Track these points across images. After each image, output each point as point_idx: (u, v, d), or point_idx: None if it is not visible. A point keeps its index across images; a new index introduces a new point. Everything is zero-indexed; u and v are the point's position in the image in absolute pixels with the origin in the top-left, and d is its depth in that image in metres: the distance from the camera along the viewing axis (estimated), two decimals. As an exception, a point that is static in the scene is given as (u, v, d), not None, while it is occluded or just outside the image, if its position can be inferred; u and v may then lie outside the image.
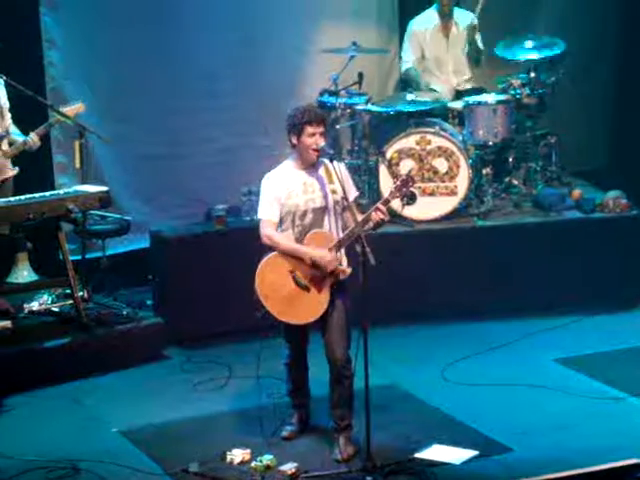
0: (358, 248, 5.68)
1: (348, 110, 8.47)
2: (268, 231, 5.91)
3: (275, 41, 8.93)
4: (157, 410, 6.69)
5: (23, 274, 7.97)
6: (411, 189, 6.02)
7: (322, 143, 5.86)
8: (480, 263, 8.14)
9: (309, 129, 5.83)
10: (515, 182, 8.73)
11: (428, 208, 8.26)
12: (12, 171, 7.57)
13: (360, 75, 8.46)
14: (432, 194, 8.28)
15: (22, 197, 7.26)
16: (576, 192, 8.67)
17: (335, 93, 8.41)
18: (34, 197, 7.27)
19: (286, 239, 5.91)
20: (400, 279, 7.94)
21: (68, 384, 7.04)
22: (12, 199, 7.27)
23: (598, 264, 8.18)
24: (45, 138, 7.73)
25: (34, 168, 7.88)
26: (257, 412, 6.43)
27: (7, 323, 7.34)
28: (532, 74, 8.64)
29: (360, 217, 5.83)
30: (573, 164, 9.31)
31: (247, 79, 8.88)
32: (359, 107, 8.44)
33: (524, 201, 8.61)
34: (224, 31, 8.76)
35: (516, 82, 8.57)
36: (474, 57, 9.00)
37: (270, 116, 8.60)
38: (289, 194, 5.91)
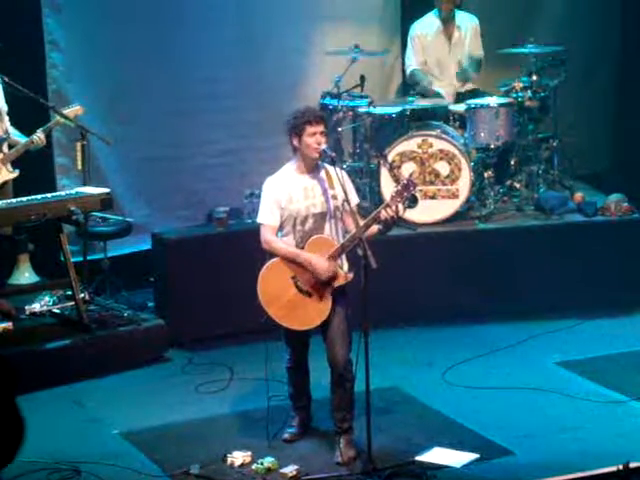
0: (360, 251, 5.68)
1: (350, 113, 8.47)
2: (268, 236, 5.92)
3: (277, 43, 8.94)
4: (158, 412, 6.69)
5: (25, 275, 7.98)
6: (413, 192, 6.01)
7: (324, 142, 5.86)
8: (482, 266, 8.14)
9: (309, 129, 5.83)
10: (517, 185, 8.73)
11: (430, 211, 8.26)
12: (12, 173, 7.57)
13: (362, 78, 8.46)
14: (434, 197, 8.28)
15: (24, 199, 7.26)
16: (578, 195, 8.67)
17: (337, 95, 8.41)
18: (36, 199, 7.27)
19: (286, 245, 5.91)
20: (402, 282, 7.93)
21: (69, 386, 7.04)
22: (14, 200, 7.28)
23: (600, 267, 8.18)
24: (47, 140, 7.73)
25: (36, 170, 7.88)
26: (258, 414, 6.43)
27: (8, 325, 7.34)
28: (534, 77, 8.64)
29: (361, 222, 5.82)
30: (575, 167, 9.31)
31: (249, 81, 8.89)
32: (361, 110, 8.44)
33: (526, 204, 8.61)
34: (226, 33, 8.77)
35: (518, 85, 8.57)
36: (475, 64, 9.00)
37: (272, 118, 8.62)
38: (290, 199, 5.90)
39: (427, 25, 9.04)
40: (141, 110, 8.51)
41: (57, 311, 7.65)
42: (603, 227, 8.37)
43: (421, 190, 8.20)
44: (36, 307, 7.65)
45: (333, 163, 5.93)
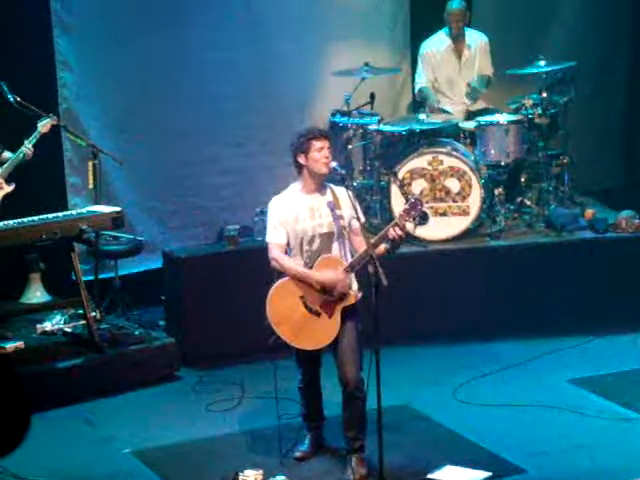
0: (371, 269, 5.67)
1: (360, 130, 8.48)
2: (276, 254, 5.91)
3: (287, 61, 8.97)
4: (169, 431, 6.68)
5: (36, 294, 8.00)
6: (422, 210, 6.00)
7: (330, 158, 5.85)
8: (492, 283, 8.13)
9: (316, 144, 5.84)
10: (527, 202, 8.72)
11: (440, 228, 8.25)
12: (8, 188, 7.55)
13: (372, 95, 8.47)
14: (444, 214, 8.28)
15: (35, 218, 7.28)
16: (589, 212, 8.66)
17: (347, 113, 8.43)
18: (47, 218, 7.29)
19: (294, 263, 5.90)
20: (412, 299, 7.92)
21: (80, 405, 7.04)
22: (25, 220, 7.29)
23: (611, 284, 8.16)
24: (58, 159, 7.75)
25: (47, 189, 7.91)
26: (269, 432, 6.42)
27: (20, 343, 7.35)
28: (544, 94, 8.63)
29: (368, 241, 5.82)
30: (585, 184, 9.30)
31: (259, 99, 8.91)
32: (371, 127, 8.46)
33: (536, 221, 8.59)
34: (237, 51, 8.80)
35: (528, 102, 8.56)
36: (484, 81, 9.00)
37: (282, 136, 8.63)
38: (296, 218, 5.90)
39: (437, 43, 9.06)
40: (152, 129, 8.54)
41: (68, 330, 7.66)
42: (614, 244, 8.35)
43: (432, 207, 8.20)
44: (47, 326, 7.66)
45: (343, 181, 5.93)
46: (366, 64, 8.53)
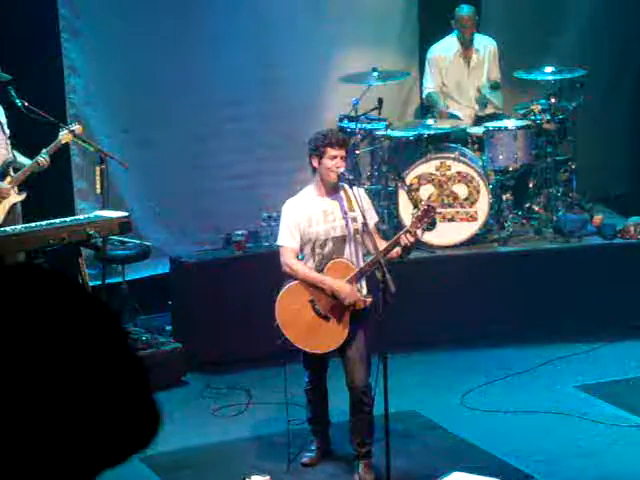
0: (379, 275, 5.66)
1: (368, 136, 8.47)
2: (288, 259, 5.90)
3: (295, 66, 8.96)
4: (176, 436, 6.65)
5: (43, 299, 7.97)
6: (433, 218, 5.99)
7: (342, 167, 5.85)
8: (500, 289, 8.11)
9: (331, 151, 5.82)
10: (535, 208, 8.70)
11: (448, 234, 8.23)
12: (20, 196, 7.55)
13: (380, 101, 8.44)
14: (452, 220, 8.26)
15: (42, 223, 7.27)
16: (597, 218, 8.63)
17: (355, 118, 8.40)
18: (54, 222, 7.28)
19: (306, 268, 5.89)
20: (420, 305, 7.90)
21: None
22: (33, 225, 7.28)
23: (619, 290, 8.13)
24: (66, 164, 7.75)
25: (54, 194, 7.91)
26: (277, 438, 6.41)
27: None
28: (552, 100, 8.61)
29: (380, 243, 5.81)
30: (594, 190, 9.28)
31: (266, 104, 8.90)
32: (379, 132, 8.44)
33: (545, 227, 8.57)
34: (245, 57, 8.79)
35: (536, 108, 8.54)
36: (493, 87, 8.99)
37: (289, 141, 8.63)
38: (310, 222, 5.89)
39: (446, 48, 9.04)
40: (160, 134, 8.54)
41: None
42: (623, 250, 8.33)
43: (439, 213, 8.17)
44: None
45: (351, 186, 5.92)
46: (374, 69, 8.51)
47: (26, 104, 7.40)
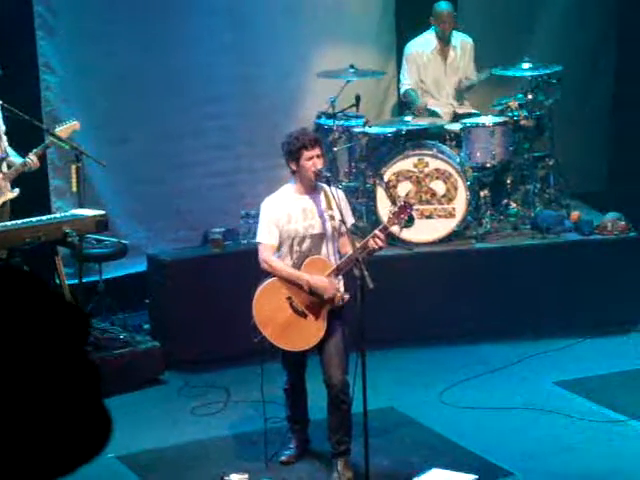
0: (356, 272, 5.66)
1: (345, 132, 8.46)
2: (267, 256, 5.89)
3: (273, 63, 8.93)
4: (154, 435, 6.65)
5: (19, 298, 7.93)
6: (411, 213, 5.99)
7: (320, 165, 5.86)
8: (478, 285, 8.12)
9: (306, 153, 5.83)
10: (513, 204, 8.71)
11: (426, 230, 8.23)
12: (12, 193, 7.54)
13: (357, 97, 8.44)
14: (430, 216, 8.26)
15: (19, 221, 7.23)
16: (574, 214, 8.65)
17: (332, 115, 8.40)
18: (31, 221, 7.24)
19: (285, 265, 5.89)
20: (398, 302, 7.90)
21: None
22: (9, 223, 7.24)
23: (597, 286, 8.15)
24: (41, 161, 7.70)
25: (30, 192, 7.85)
26: (255, 436, 6.40)
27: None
28: (529, 96, 8.62)
29: (358, 243, 5.81)
30: (571, 186, 9.29)
31: (244, 101, 8.88)
32: (356, 129, 8.43)
33: (522, 223, 8.58)
34: (222, 54, 8.76)
35: (513, 104, 8.55)
36: (469, 84, 9.01)
37: (267, 139, 8.61)
38: (289, 219, 5.89)
39: (423, 44, 9.03)
40: (136, 131, 8.50)
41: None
42: (600, 246, 8.34)
43: (417, 209, 8.17)
44: (31, 330, 7.60)
45: (328, 183, 5.93)
46: (351, 66, 8.50)
47: (0, 102, 7.36)
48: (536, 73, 8.65)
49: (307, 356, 6.03)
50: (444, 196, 8.24)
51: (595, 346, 7.85)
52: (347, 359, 5.85)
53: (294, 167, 5.89)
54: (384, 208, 7.98)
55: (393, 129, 8.42)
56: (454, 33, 9.04)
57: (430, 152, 8.25)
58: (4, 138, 7.54)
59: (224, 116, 8.82)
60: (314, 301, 5.84)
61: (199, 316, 7.79)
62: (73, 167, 7.55)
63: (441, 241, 8.28)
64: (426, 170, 8.22)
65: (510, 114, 8.53)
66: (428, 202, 8.24)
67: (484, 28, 9.43)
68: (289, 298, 5.85)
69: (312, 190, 5.96)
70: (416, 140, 8.37)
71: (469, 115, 8.86)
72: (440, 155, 8.24)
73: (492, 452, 6.18)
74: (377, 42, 9.43)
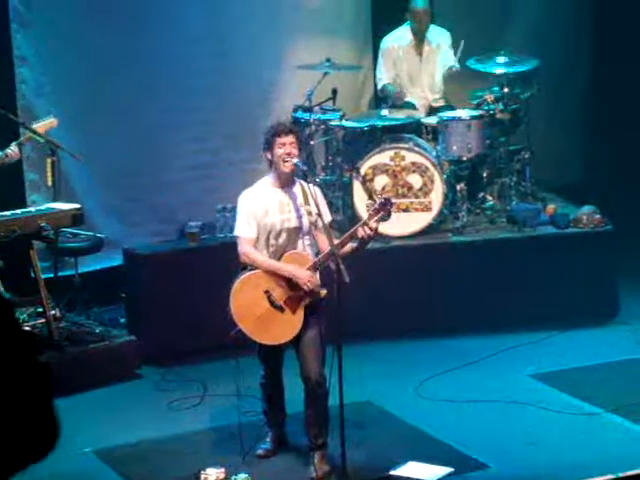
0: (333, 266, 5.67)
1: (322, 126, 8.45)
2: (246, 248, 5.89)
3: (250, 56, 8.92)
4: (130, 429, 6.63)
5: (-6, 292, 7.91)
6: (390, 210, 5.99)
7: (295, 154, 5.86)
8: (455, 279, 8.13)
9: (278, 140, 5.87)
10: (489, 198, 8.73)
11: (403, 224, 8.23)
12: None
13: (334, 91, 8.44)
14: (406, 210, 8.27)
15: (-7, 215, 7.20)
16: (550, 207, 8.68)
17: (309, 109, 8.39)
18: (5, 215, 7.21)
19: (264, 256, 5.89)
20: (375, 295, 7.91)
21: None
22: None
23: (572, 279, 8.18)
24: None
25: (5, 186, 7.82)
26: (232, 430, 6.38)
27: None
28: (506, 89, 8.63)
29: (336, 240, 5.82)
30: (547, 179, 9.33)
31: (221, 94, 8.85)
32: (333, 123, 8.43)
33: (498, 216, 8.60)
34: (199, 46, 8.74)
35: (490, 97, 8.56)
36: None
37: (244, 132, 8.60)
38: (266, 212, 5.90)
39: (399, 38, 9.04)
40: (112, 125, 8.46)
41: (28, 328, 7.56)
42: (575, 239, 8.38)
43: (394, 203, 8.17)
44: (6, 324, 7.57)
45: (305, 177, 5.94)
46: (327, 60, 8.49)
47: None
48: (511, 70, 8.65)
49: (283, 350, 6.03)
50: (420, 189, 8.25)
51: (571, 339, 7.88)
52: (324, 353, 5.85)
53: (269, 156, 5.92)
54: (361, 202, 7.99)
55: (370, 123, 8.42)
56: (431, 27, 9.04)
57: (406, 145, 8.26)
58: None
59: (201, 109, 8.79)
60: (292, 295, 5.84)
61: (175, 310, 7.77)
62: (48, 161, 7.52)
63: (417, 234, 8.29)
64: (402, 163, 8.22)
65: (486, 107, 8.54)
66: (404, 195, 8.25)
67: (460, 21, 9.44)
68: (267, 292, 5.85)
69: (289, 184, 5.97)
70: (393, 134, 8.38)
71: (445, 108, 8.86)
72: (416, 148, 8.25)
73: (468, 445, 6.20)
74: (353, 36, 9.43)
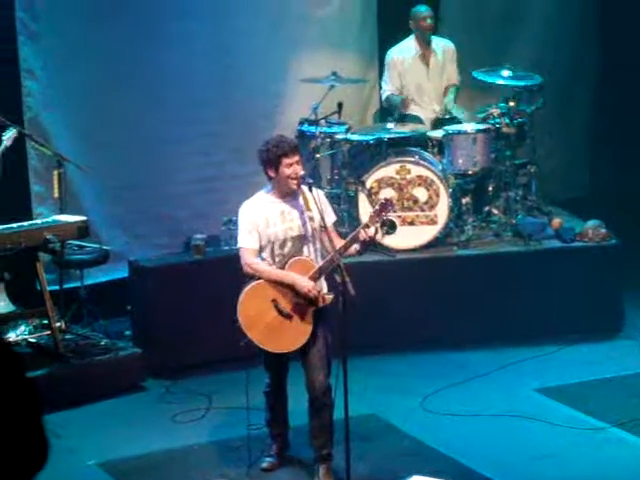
0: (338, 278, 5.66)
1: (328, 139, 8.46)
2: (249, 259, 5.89)
3: (255, 70, 8.94)
4: (135, 442, 6.62)
5: (0, 304, 7.91)
6: (390, 217, 6.00)
7: (301, 171, 5.86)
8: (460, 292, 8.13)
9: (286, 160, 5.82)
10: (495, 211, 8.73)
11: (408, 237, 8.24)
12: None
13: (339, 104, 8.45)
14: (412, 223, 8.27)
15: (-1, 227, 7.21)
16: (556, 221, 8.67)
17: (315, 122, 8.40)
18: (12, 227, 7.22)
19: (268, 266, 5.89)
20: (380, 308, 7.91)
21: (45, 416, 6.95)
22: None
23: (578, 293, 8.17)
24: (23, 168, 7.67)
25: (11, 198, 7.83)
26: (237, 443, 6.39)
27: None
28: (511, 103, 8.65)
29: (339, 242, 5.83)
30: (552, 193, 9.33)
31: (227, 108, 8.87)
32: (339, 136, 8.44)
33: (504, 230, 8.60)
34: (205, 60, 8.76)
35: (495, 111, 8.57)
36: (454, 91, 9.03)
37: (250, 145, 8.60)
38: (267, 223, 5.89)
39: (404, 50, 9.05)
40: (118, 137, 8.48)
41: (33, 340, 7.58)
42: (581, 253, 8.37)
43: (399, 216, 8.19)
44: (12, 336, 7.58)
45: (311, 190, 5.93)
46: (333, 73, 8.51)
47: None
48: (516, 84, 8.68)
49: (289, 358, 6.02)
50: (426, 203, 8.26)
51: (576, 353, 7.87)
52: (329, 363, 5.85)
53: (273, 174, 5.88)
54: (366, 215, 7.98)
55: (375, 136, 8.43)
56: (435, 38, 9.07)
57: (412, 159, 8.26)
58: None
59: (206, 122, 8.81)
60: (299, 302, 5.83)
61: (180, 323, 7.77)
62: (55, 173, 7.54)
63: (423, 248, 8.29)
64: (408, 177, 8.23)
65: (492, 121, 8.55)
66: (410, 209, 8.26)
67: (466, 31, 9.46)
68: (274, 300, 5.83)
69: (289, 194, 5.95)
70: (398, 147, 8.39)
71: (451, 120, 8.87)
72: (422, 162, 8.25)
73: (473, 459, 6.19)
74: (359, 49, 9.45)
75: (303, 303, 5.83)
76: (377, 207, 5.89)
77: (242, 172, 8.69)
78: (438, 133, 8.62)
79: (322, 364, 5.83)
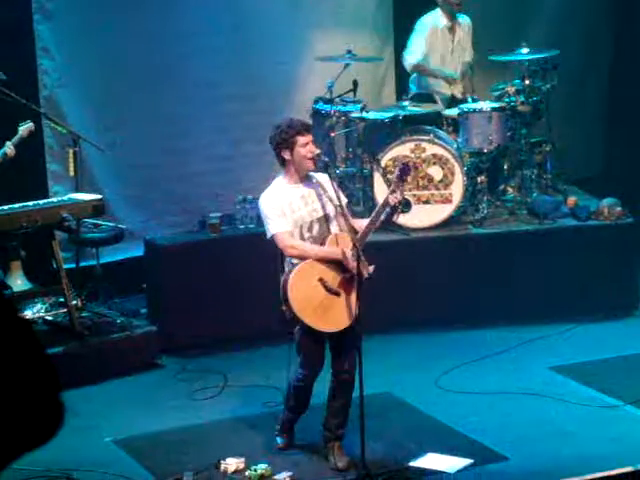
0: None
1: (343, 118, 8.44)
2: (289, 241, 5.80)
3: (271, 48, 8.93)
4: (151, 419, 6.66)
5: (17, 282, 7.93)
6: (405, 196, 5.97)
7: (317, 150, 5.86)
8: (475, 271, 8.13)
9: (301, 139, 5.81)
10: (510, 190, 8.71)
11: (423, 216, 8.24)
12: None
13: (355, 83, 8.43)
14: (427, 202, 8.27)
15: (15, 205, 7.23)
16: (571, 200, 8.65)
17: (330, 101, 8.39)
18: (28, 205, 7.25)
19: (311, 244, 5.85)
20: (395, 287, 7.91)
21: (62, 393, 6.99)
22: (5, 207, 7.25)
23: (593, 272, 8.17)
24: (39, 146, 7.69)
25: (27, 176, 7.86)
26: (252, 421, 6.42)
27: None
28: (527, 81, 8.61)
29: (354, 222, 5.82)
30: (568, 172, 9.30)
31: (242, 86, 8.87)
32: (354, 115, 8.43)
33: (519, 209, 8.58)
34: (220, 39, 8.75)
35: (511, 89, 8.54)
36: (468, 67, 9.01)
37: (265, 123, 8.59)
38: (292, 208, 5.85)
39: (436, 20, 8.94)
40: (134, 116, 8.49)
41: (49, 318, 7.62)
42: (596, 231, 8.35)
43: (414, 195, 8.19)
44: (28, 314, 7.61)
45: (326, 168, 5.92)
46: (348, 51, 8.49)
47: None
48: (533, 56, 8.63)
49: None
50: (441, 181, 8.25)
51: (591, 331, 7.87)
52: (360, 343, 5.70)
53: (287, 156, 5.82)
54: (381, 193, 7.98)
55: (391, 114, 8.42)
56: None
57: (427, 137, 8.25)
58: None
59: (222, 101, 8.81)
60: (345, 277, 5.77)
61: (196, 300, 7.80)
62: (70, 151, 7.55)
63: (438, 226, 8.29)
64: (423, 155, 8.22)
65: (507, 100, 8.52)
66: (425, 187, 8.25)
67: (482, 13, 9.41)
68: (321, 279, 5.76)
69: (305, 178, 5.93)
70: (413, 125, 8.38)
71: (467, 100, 8.84)
72: (437, 140, 8.24)
73: (487, 436, 6.20)
74: (375, 28, 9.42)
75: (348, 277, 5.79)
76: (397, 172, 5.88)
77: (257, 150, 8.67)
78: (453, 111, 8.61)
79: (354, 344, 5.77)
